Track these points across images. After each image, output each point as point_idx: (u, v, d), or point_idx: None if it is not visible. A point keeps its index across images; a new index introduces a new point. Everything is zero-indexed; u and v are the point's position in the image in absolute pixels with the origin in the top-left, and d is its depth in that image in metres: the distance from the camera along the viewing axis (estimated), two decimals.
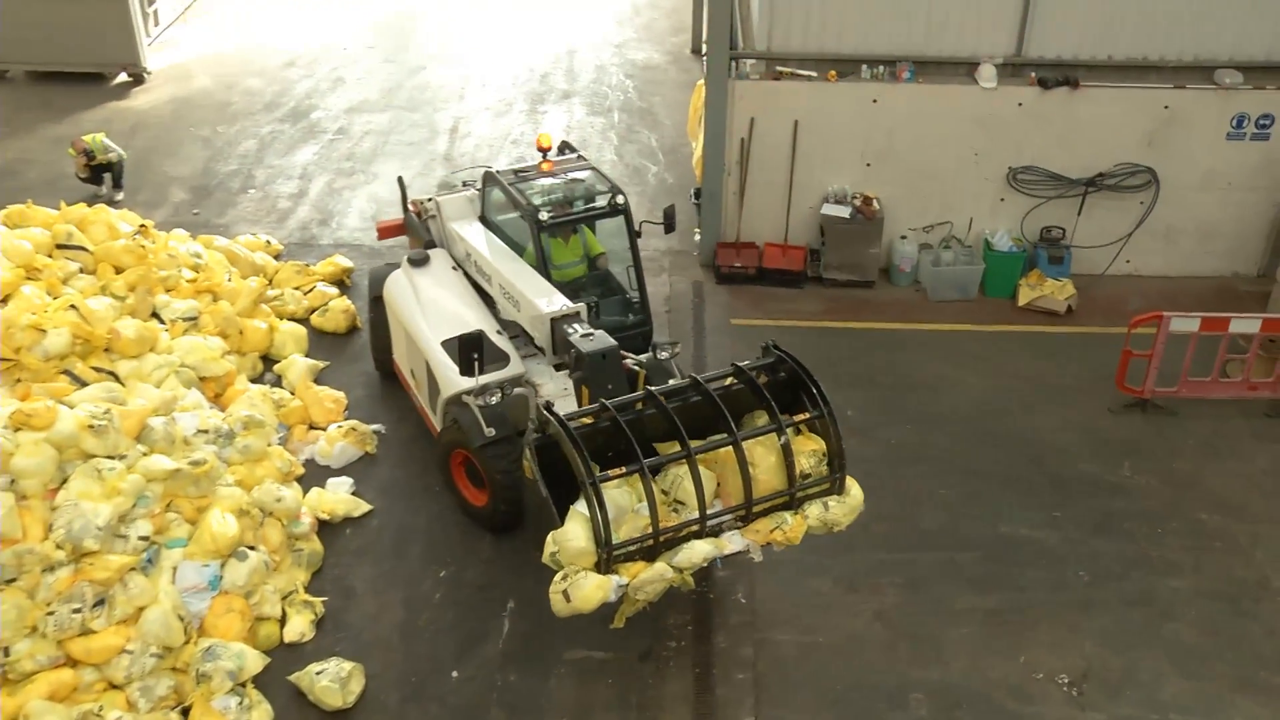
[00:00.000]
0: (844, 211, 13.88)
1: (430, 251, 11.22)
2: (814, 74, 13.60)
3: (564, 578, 7.75)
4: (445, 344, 10.13)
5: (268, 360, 12.43)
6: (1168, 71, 13.61)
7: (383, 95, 19.46)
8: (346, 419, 11.58)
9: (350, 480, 10.88)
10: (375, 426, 11.53)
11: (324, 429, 11.42)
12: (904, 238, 14.19)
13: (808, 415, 8.45)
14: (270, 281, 13.56)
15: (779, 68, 13.68)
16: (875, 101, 13.58)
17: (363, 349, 12.69)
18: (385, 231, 12.43)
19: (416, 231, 11.78)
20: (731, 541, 8.13)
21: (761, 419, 8.50)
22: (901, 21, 13.38)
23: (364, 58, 21.10)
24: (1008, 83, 13.56)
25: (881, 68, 13.59)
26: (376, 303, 11.49)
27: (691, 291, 14.03)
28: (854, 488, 8.55)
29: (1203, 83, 13.55)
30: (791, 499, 8.27)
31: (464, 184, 11.93)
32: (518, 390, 9.82)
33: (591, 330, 9.19)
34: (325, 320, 13.08)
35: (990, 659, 9.30)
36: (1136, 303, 13.59)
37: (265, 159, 17.22)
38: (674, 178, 16.67)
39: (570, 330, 9.17)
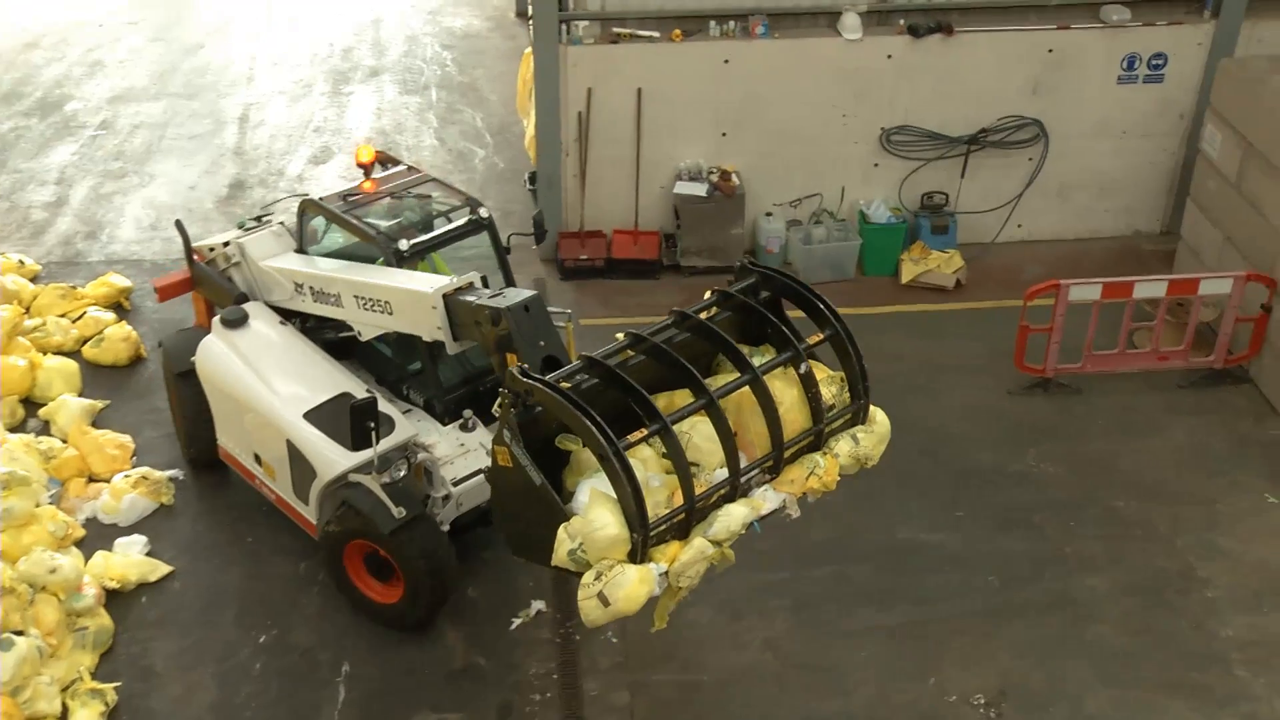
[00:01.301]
0: (700, 189, 14.05)
1: (246, 306, 10.70)
2: (656, 34, 13.74)
3: (597, 577, 7.28)
4: (313, 416, 9.74)
5: (30, 404, 12.08)
6: (1050, 11, 14.11)
7: (153, 80, 19.02)
8: (135, 467, 11.31)
9: (144, 539, 10.62)
10: (171, 472, 11.29)
11: (107, 481, 11.13)
12: (769, 214, 14.43)
13: (820, 337, 8.36)
14: (27, 309, 13.16)
15: (616, 29, 13.77)
16: (727, 62, 13.78)
17: (150, 382, 12.42)
18: (167, 290, 11.69)
19: (212, 285, 11.22)
20: (766, 499, 7.92)
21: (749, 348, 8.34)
22: None
23: (126, 35, 20.59)
24: (874, 32, 13.91)
25: (732, 23, 13.79)
26: (185, 380, 10.83)
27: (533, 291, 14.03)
28: (878, 414, 8.52)
29: (1088, 21, 14.09)
30: (819, 437, 8.19)
31: (259, 219, 11.45)
32: (421, 456, 9.60)
33: (498, 290, 8.95)
34: (101, 352, 12.74)
35: (896, 683, 9.51)
36: (1032, 271, 14.04)
37: (10, 161, 16.69)
38: (505, 161, 16.68)
39: (473, 298, 8.87)
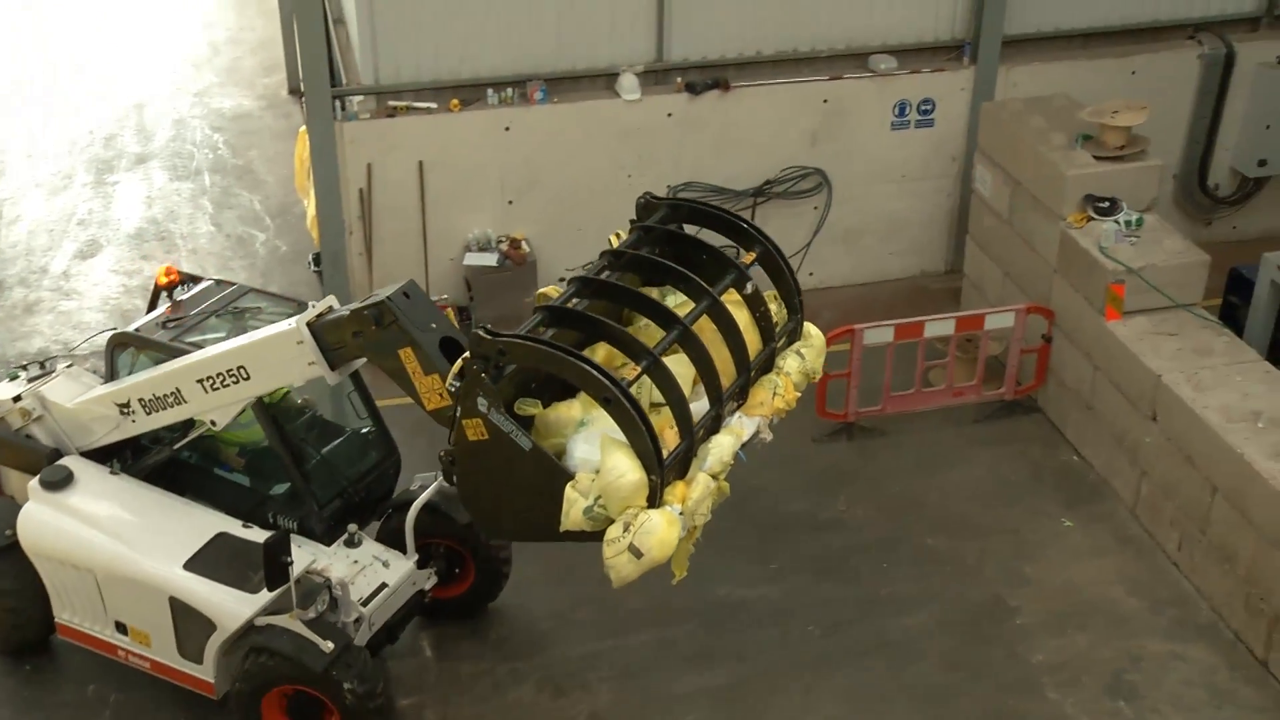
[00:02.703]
0: (490, 259, 14.22)
1: (64, 463, 10.03)
2: (434, 105, 13.92)
3: (625, 529, 7.15)
4: (195, 565, 9.27)
5: None
6: (821, 62, 14.77)
7: None
8: None
9: None
10: None
11: None
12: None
13: (753, 256, 8.48)
14: None
15: (392, 102, 13.92)
16: (508, 129, 14.04)
17: None
18: None
19: (12, 449, 10.40)
20: (743, 425, 8.02)
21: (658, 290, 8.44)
22: (526, 35, 13.92)
23: None
24: (652, 91, 14.35)
25: (510, 90, 14.06)
26: (2, 557, 10.04)
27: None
28: (811, 328, 8.76)
29: (858, 71, 14.80)
30: (772, 357, 8.30)
31: (42, 365, 10.82)
32: (336, 581, 9.30)
33: (364, 297, 8.78)
34: None
35: None
36: (826, 317, 14.35)
37: None
38: (287, 244, 16.55)
39: (343, 312, 8.74)
